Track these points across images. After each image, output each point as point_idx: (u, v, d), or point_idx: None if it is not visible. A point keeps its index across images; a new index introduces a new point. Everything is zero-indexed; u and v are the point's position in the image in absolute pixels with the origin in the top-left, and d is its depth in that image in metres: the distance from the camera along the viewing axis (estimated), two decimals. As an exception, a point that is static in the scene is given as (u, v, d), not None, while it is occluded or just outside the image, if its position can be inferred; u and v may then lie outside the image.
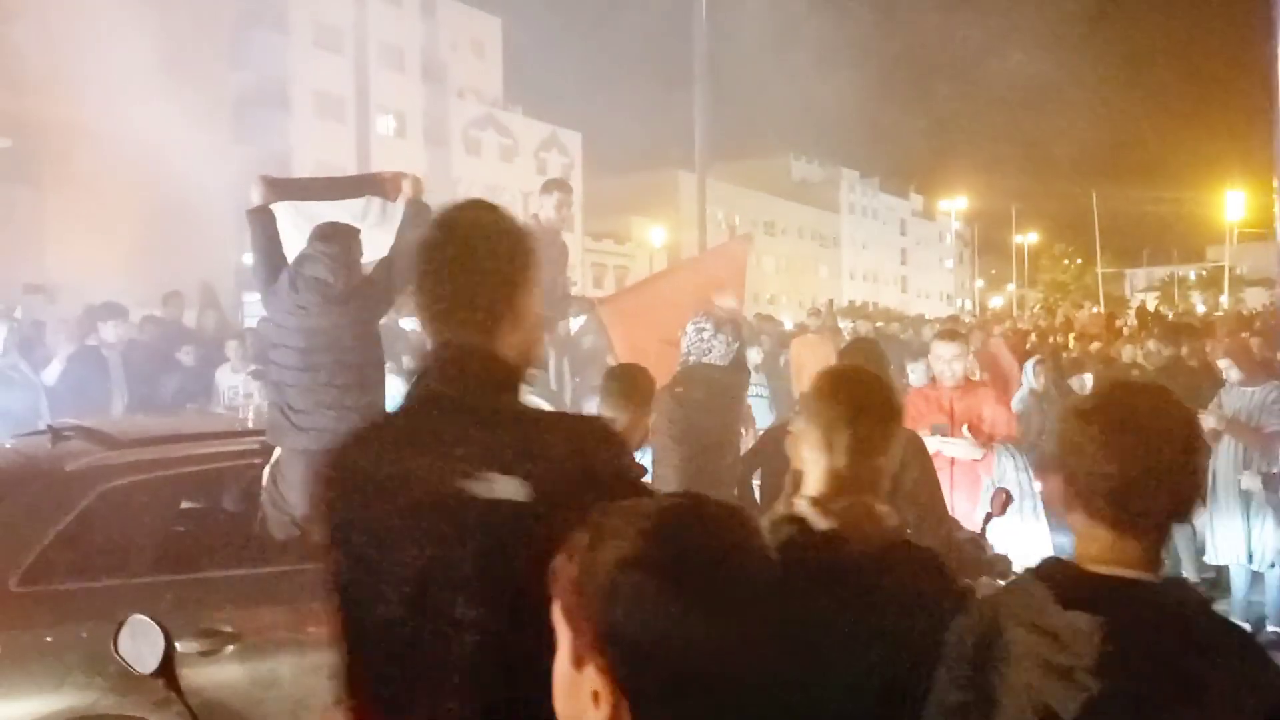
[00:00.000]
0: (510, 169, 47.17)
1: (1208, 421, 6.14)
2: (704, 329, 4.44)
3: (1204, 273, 62.19)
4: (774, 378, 9.48)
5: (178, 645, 3.58)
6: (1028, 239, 68.94)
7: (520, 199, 45.96)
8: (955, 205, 66.49)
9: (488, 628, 1.46)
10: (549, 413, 1.89)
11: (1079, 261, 61.96)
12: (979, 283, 77.09)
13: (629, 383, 3.50)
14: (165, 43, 33.89)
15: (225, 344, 8.44)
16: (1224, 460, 6.28)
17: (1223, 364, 6.55)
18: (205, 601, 3.67)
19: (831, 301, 23.37)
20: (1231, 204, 39.00)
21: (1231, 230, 40.60)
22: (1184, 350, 8.22)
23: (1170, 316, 26.06)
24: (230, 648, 3.58)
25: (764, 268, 63.60)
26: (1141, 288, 67.31)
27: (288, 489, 3.87)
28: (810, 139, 79.12)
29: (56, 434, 4.05)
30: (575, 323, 10.29)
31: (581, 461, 1.52)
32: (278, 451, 4.00)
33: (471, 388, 1.58)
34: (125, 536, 3.69)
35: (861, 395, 1.97)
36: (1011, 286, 68.72)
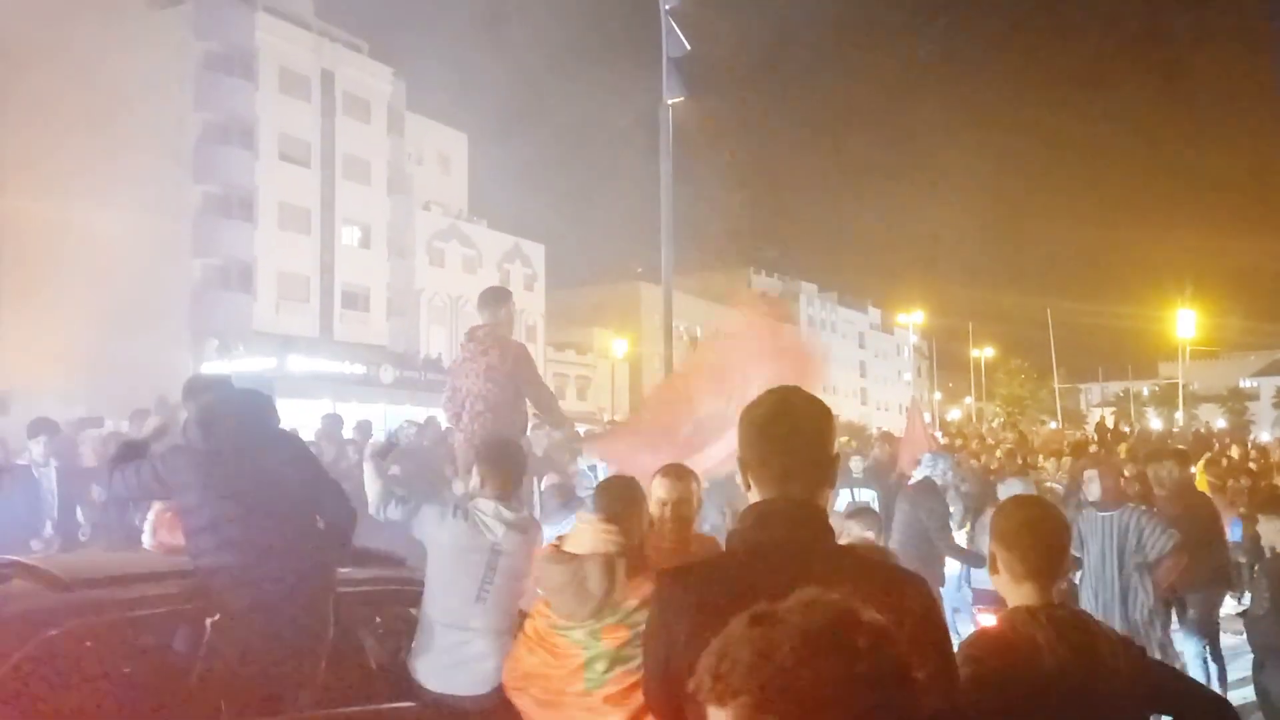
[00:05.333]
0: (474, 279, 47.31)
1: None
2: None
3: (1158, 389, 63.30)
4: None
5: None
6: (984, 353, 69.99)
7: (483, 310, 46.07)
8: (913, 319, 67.49)
9: None
10: (874, 558, 2.24)
11: (1035, 376, 62.89)
12: (937, 395, 77.85)
13: (622, 495, 3.45)
14: (128, 152, 34.16)
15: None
16: None
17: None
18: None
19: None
20: (1183, 322, 39.85)
21: (1183, 348, 41.41)
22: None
23: (1129, 432, 26.32)
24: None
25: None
26: (1096, 402, 68.30)
27: (233, 645, 3.60)
28: (769, 253, 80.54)
29: (-6, 572, 3.78)
30: (540, 440, 10.16)
31: (925, 598, 1.89)
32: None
33: (813, 533, 1.93)
34: (69, 687, 3.41)
35: None
36: (970, 400, 69.45)
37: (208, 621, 3.63)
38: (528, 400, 6.09)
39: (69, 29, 35.64)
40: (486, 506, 3.97)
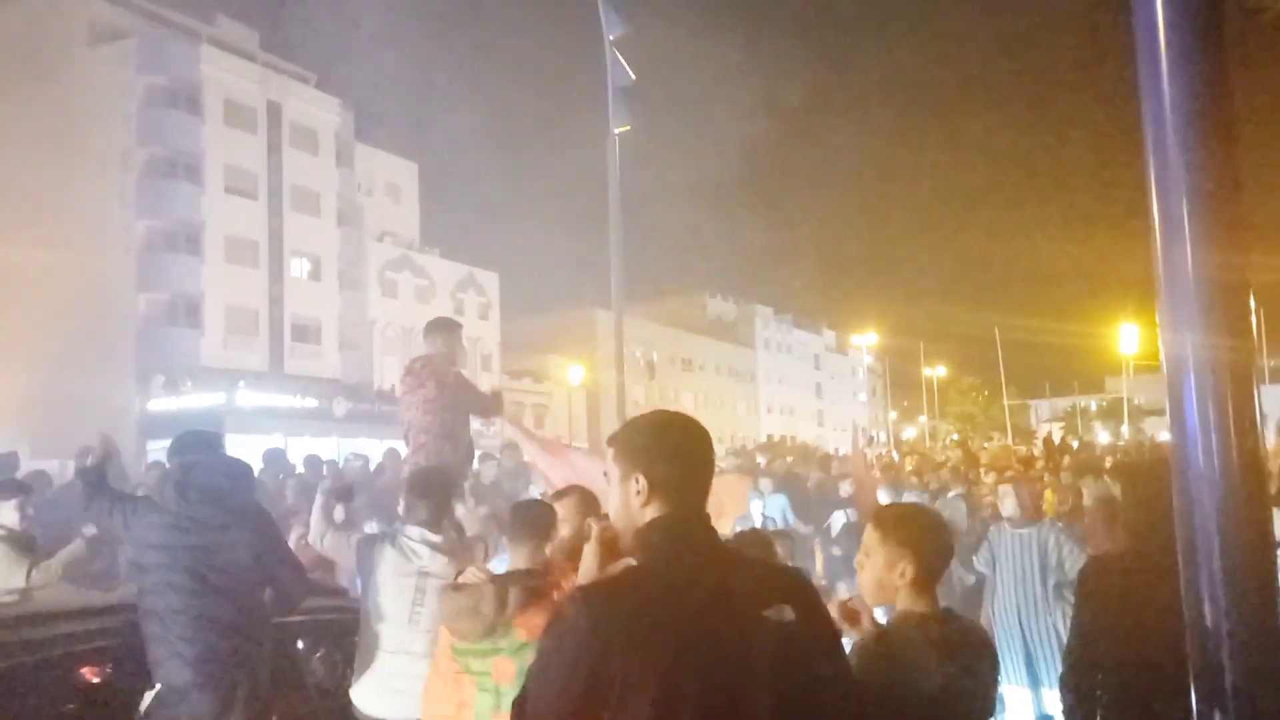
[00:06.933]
0: (428, 310, 47.09)
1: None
2: None
3: (1104, 404, 64.42)
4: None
5: None
6: (936, 372, 70.84)
7: (437, 340, 45.89)
8: (866, 340, 68.20)
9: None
10: (760, 559, 2.51)
11: (986, 394, 63.76)
12: (892, 415, 78.59)
13: (533, 517, 3.55)
14: (71, 188, 33.73)
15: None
16: None
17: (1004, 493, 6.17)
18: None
19: (743, 447, 23.70)
20: (1125, 337, 40.59)
21: (1127, 363, 42.20)
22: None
23: (1076, 446, 26.71)
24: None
25: (683, 403, 64.05)
26: (1046, 418, 69.36)
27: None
28: (723, 277, 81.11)
29: (-71, 614, 3.75)
30: (490, 470, 10.18)
31: (808, 590, 2.11)
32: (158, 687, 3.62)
33: (713, 542, 2.09)
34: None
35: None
36: (924, 419, 70.19)
37: (147, 694, 3.60)
38: (476, 416, 6.22)
39: (7, 67, 35.23)
40: (413, 533, 4.07)
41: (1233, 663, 1.88)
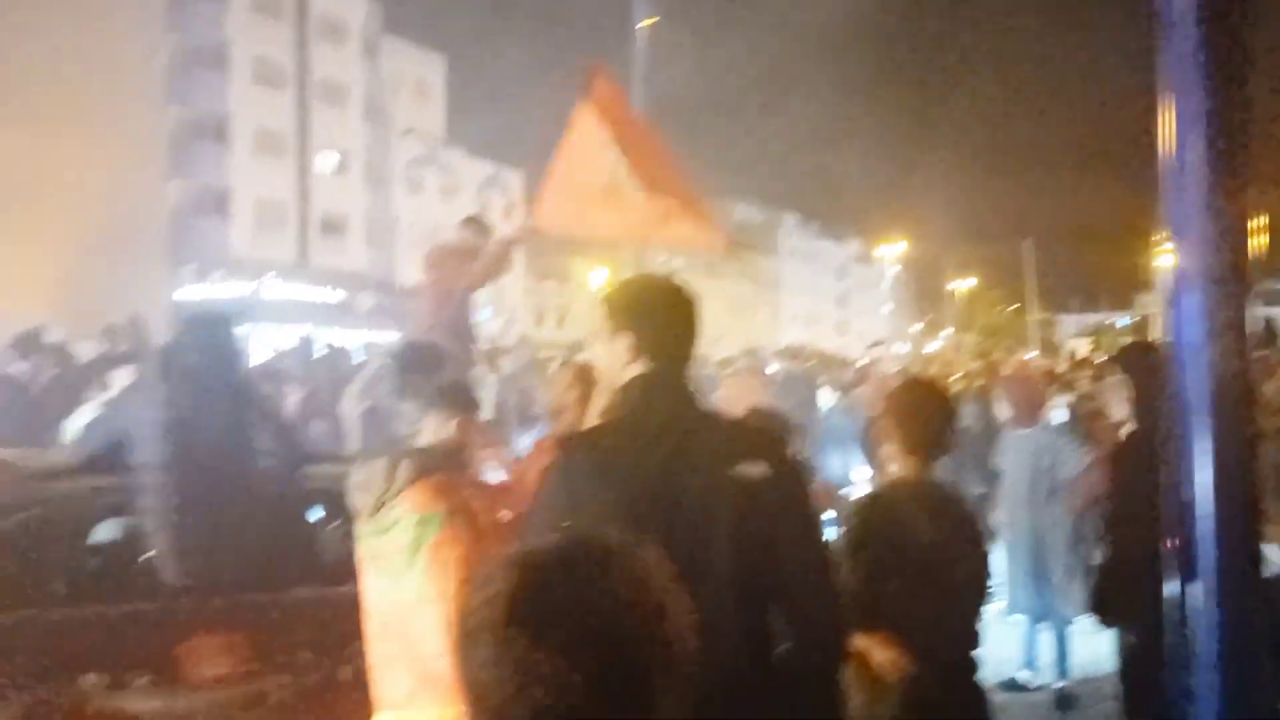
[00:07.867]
0: (451, 208, 47.01)
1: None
2: None
3: (1136, 320, 63.88)
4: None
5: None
6: (966, 283, 70.23)
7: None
8: (893, 250, 67.53)
9: (746, 558, 2.04)
10: (738, 417, 2.61)
11: (1014, 306, 63.27)
12: (917, 326, 78.26)
13: (450, 392, 3.47)
14: (99, 77, 33.55)
15: None
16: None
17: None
18: (123, 636, 3.61)
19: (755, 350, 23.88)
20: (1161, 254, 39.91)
21: (1157, 279, 41.61)
22: None
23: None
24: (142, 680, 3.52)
25: (706, 311, 63.78)
26: (1073, 334, 68.93)
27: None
28: (751, 180, 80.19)
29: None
30: (510, 364, 10.32)
31: (780, 447, 2.23)
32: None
33: (689, 400, 2.18)
34: (33, 571, 3.61)
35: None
36: (949, 331, 69.88)
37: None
38: (485, 286, 6.33)
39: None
40: (400, 410, 3.94)
41: (1218, 540, 1.98)
